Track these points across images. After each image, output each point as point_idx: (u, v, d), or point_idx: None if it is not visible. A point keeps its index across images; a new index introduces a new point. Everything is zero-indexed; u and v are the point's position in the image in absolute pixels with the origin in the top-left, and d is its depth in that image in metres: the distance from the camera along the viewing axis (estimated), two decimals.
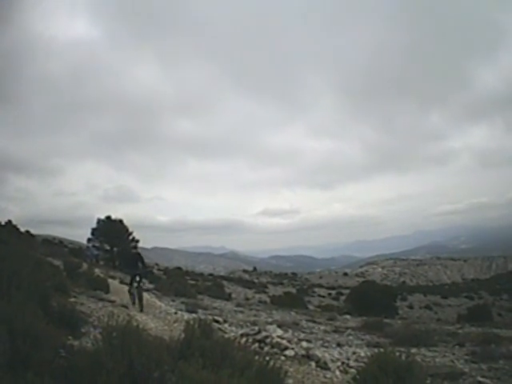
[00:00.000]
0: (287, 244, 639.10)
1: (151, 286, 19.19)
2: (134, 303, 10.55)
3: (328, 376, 5.66)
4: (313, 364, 6.05)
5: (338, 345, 8.72)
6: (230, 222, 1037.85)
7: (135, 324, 4.01)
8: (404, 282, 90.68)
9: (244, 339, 6.28)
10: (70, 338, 4.88)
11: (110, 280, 15.23)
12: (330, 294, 55.01)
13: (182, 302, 14.34)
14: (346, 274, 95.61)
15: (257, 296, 42.80)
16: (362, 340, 10.01)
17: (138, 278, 10.67)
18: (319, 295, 52.20)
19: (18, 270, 5.42)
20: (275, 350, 6.42)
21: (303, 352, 6.45)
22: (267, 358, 4.09)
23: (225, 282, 44.02)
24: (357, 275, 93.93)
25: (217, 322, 9.52)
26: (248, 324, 10.43)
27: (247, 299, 37.44)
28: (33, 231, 37.99)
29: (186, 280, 31.02)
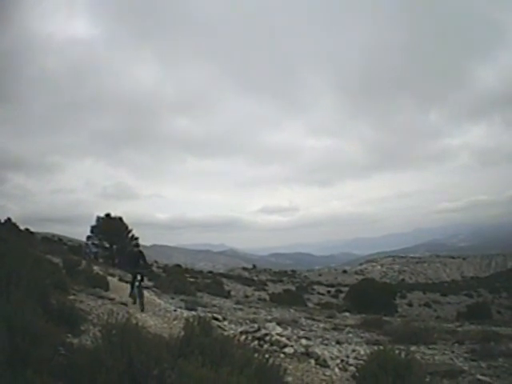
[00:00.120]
0: (286, 241, 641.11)
1: (150, 284, 19.19)
2: (134, 302, 10.44)
3: (327, 373, 5.67)
4: (312, 361, 6.06)
5: (338, 342, 8.72)
6: (230, 220, 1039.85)
7: (134, 322, 4.01)
8: (403, 280, 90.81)
9: (243, 337, 6.30)
10: (69, 335, 4.89)
11: (109, 278, 15.25)
12: (329, 291, 55.23)
13: (182, 300, 14.32)
14: (345, 272, 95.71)
15: (256, 293, 42.91)
16: (362, 338, 10.01)
17: (139, 277, 10.58)
18: (318, 293, 52.36)
19: (18, 268, 5.41)
20: (274, 347, 6.43)
21: (302, 349, 6.46)
22: (266, 356, 4.10)
23: (224, 280, 44.04)
24: (356, 273, 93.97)
25: (216, 319, 9.52)
26: (247, 321, 10.42)
27: (247, 297, 37.55)
28: (32, 229, 38.11)
29: (185, 277, 31.02)
